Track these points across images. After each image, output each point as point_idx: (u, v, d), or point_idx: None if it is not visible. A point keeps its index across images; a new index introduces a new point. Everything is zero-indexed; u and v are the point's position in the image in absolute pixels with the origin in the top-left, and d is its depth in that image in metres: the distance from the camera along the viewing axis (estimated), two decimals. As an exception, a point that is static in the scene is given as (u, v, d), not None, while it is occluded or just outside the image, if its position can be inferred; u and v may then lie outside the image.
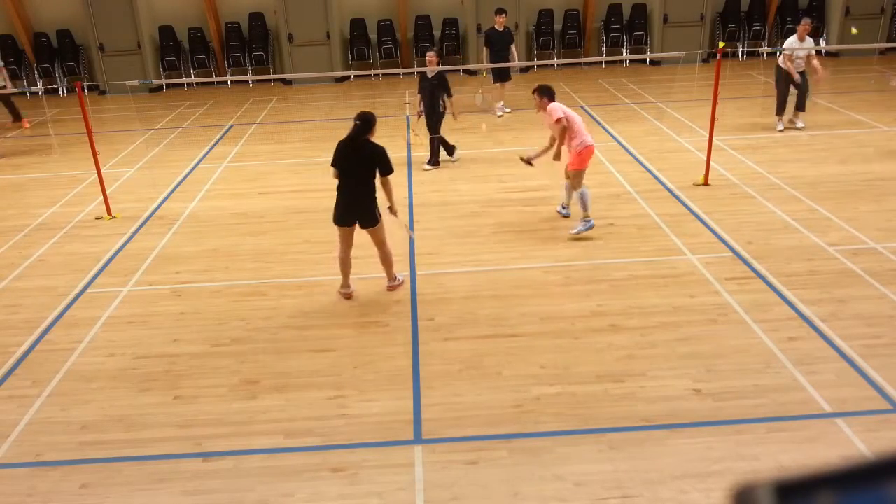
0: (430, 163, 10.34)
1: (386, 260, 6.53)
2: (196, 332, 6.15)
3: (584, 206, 7.59)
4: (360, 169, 6.14)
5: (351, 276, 6.53)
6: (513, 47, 13.09)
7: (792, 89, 11.15)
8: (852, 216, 7.89)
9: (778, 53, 11.29)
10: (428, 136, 10.28)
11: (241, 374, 5.50)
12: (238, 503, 4.22)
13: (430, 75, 10.12)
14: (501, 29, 12.84)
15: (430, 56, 10.31)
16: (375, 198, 6.26)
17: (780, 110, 11.43)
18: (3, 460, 4.67)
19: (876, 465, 0.55)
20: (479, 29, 17.27)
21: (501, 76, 13.18)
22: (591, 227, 7.65)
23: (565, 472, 4.30)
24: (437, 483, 4.26)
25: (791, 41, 10.95)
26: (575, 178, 7.67)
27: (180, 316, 6.44)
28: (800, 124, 11.54)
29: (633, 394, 5.03)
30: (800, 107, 11.37)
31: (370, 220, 6.27)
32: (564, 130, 7.50)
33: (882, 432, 4.54)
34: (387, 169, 6.16)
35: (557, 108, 7.55)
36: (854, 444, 4.44)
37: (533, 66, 18.02)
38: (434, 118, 10.18)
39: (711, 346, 5.55)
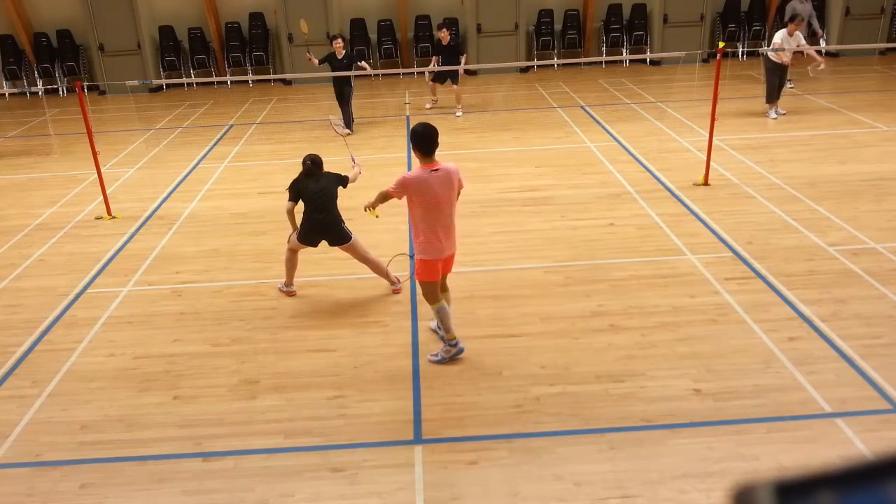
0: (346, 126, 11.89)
1: (378, 269, 6.57)
2: (196, 332, 6.15)
3: (444, 325, 5.44)
4: (324, 196, 6.36)
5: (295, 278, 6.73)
6: (462, 58, 13.36)
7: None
8: (852, 216, 7.89)
9: (764, 54, 12.12)
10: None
11: (241, 374, 5.50)
12: (238, 503, 4.22)
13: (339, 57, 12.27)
14: (446, 43, 13.24)
15: (338, 43, 12.30)
16: (342, 218, 6.44)
17: (769, 99, 12.21)
18: (3, 460, 4.67)
19: (876, 465, 0.55)
20: (478, 29, 17.29)
21: (440, 77, 13.50)
22: (457, 355, 5.45)
23: (565, 472, 4.30)
24: (437, 483, 4.26)
25: (781, 35, 11.64)
26: (424, 290, 5.42)
27: (180, 316, 6.44)
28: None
29: (633, 394, 5.03)
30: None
31: (341, 237, 6.40)
32: (388, 197, 5.32)
33: (882, 432, 4.55)
34: (344, 182, 6.52)
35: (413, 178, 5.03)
36: (854, 444, 4.44)
37: (533, 66, 18.02)
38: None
39: (711, 346, 5.55)
